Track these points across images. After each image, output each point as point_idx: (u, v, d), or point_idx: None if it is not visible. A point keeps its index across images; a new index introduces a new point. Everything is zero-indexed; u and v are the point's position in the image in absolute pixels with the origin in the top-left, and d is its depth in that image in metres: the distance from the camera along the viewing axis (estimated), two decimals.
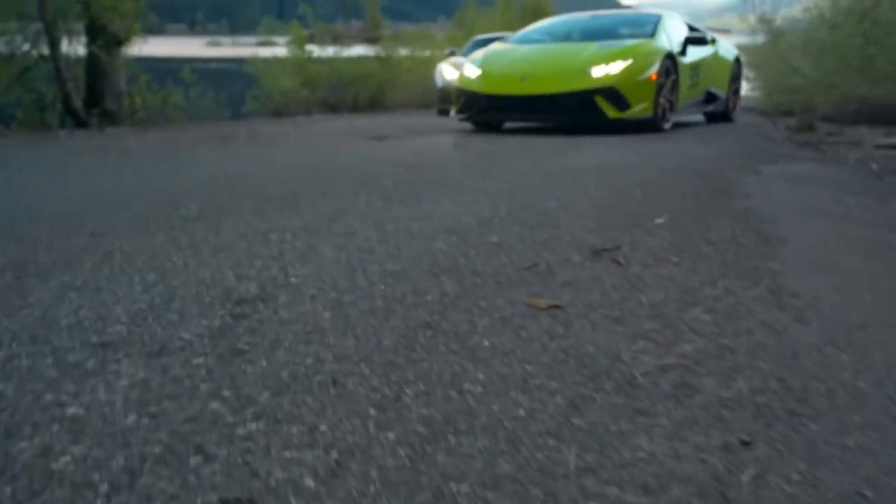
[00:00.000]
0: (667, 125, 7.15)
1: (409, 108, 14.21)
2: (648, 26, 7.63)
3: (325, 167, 4.02)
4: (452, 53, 13.28)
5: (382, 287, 1.63)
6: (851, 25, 10.22)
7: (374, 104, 13.41)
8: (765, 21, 16.95)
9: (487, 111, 7.17)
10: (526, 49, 7.50)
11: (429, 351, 1.26)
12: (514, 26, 22.78)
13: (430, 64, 15.62)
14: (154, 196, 3.00)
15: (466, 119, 7.49)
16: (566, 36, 7.91)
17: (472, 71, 7.36)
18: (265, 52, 13.68)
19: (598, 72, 6.70)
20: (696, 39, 7.63)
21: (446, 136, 6.80)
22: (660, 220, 2.38)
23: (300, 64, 12.60)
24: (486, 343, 1.30)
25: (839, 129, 8.93)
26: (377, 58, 13.67)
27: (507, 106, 6.97)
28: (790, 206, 2.89)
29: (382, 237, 2.15)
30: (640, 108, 6.71)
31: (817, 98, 11.14)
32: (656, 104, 6.90)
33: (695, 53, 7.80)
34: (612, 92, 6.65)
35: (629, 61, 6.73)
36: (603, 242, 2.08)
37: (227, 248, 2.01)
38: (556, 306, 1.50)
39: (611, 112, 6.65)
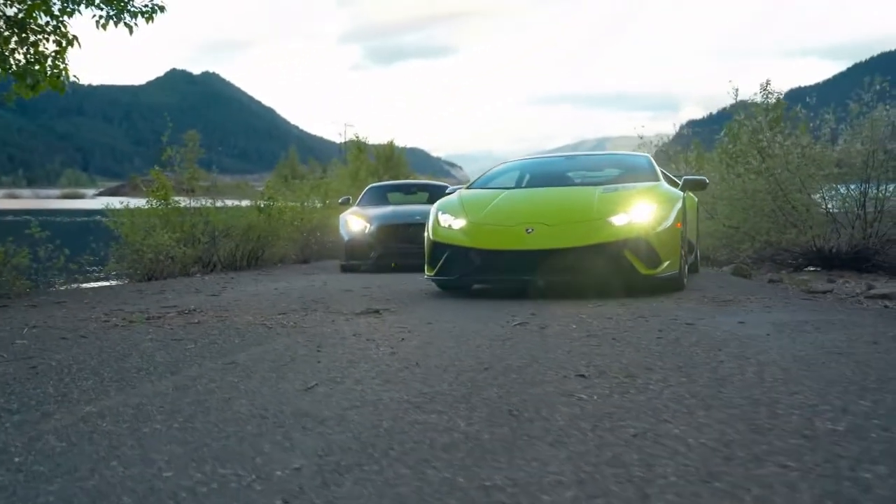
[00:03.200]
0: (686, 280, 6.05)
1: (287, 263, 12.52)
2: (645, 167, 6.64)
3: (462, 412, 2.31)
4: (347, 201, 11.92)
5: None
6: (767, 175, 10.08)
7: (253, 260, 11.56)
8: None
9: (482, 271, 5.69)
10: (513, 195, 6.21)
11: None
12: (371, 177, 22.06)
13: (312, 215, 14.17)
14: None
15: (454, 282, 5.94)
16: (547, 179, 6.73)
17: (451, 221, 5.92)
18: (115, 202, 11.52)
19: (620, 220, 5.50)
20: (694, 183, 6.70)
21: (442, 302, 5.23)
22: None
23: (168, 215, 10.59)
24: None
25: (777, 275, 8.44)
26: (257, 208, 11.90)
27: (509, 265, 5.54)
28: None
29: None
30: (668, 264, 5.55)
31: (742, 244, 10.83)
32: (680, 256, 5.79)
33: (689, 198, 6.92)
34: (642, 245, 5.45)
35: (653, 207, 5.61)
36: None
37: None
38: None
39: (642, 269, 5.41)
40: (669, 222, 5.63)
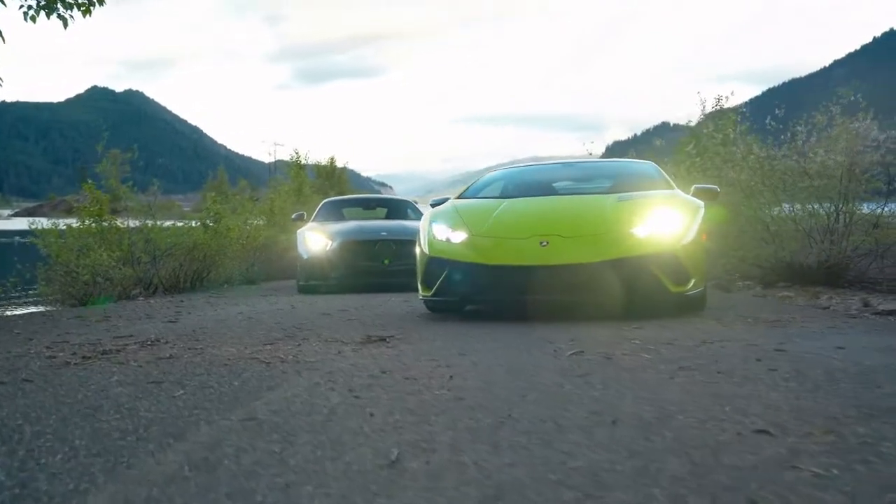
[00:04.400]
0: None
1: (233, 284, 11.54)
2: (654, 175, 6.06)
3: None
4: (301, 217, 11.04)
5: None
6: (744, 188, 9.73)
7: (197, 281, 10.58)
8: None
9: (490, 290, 4.96)
10: (517, 204, 5.52)
11: None
12: (317, 193, 21.06)
13: (259, 233, 13.26)
14: None
15: (455, 304, 5.22)
16: (547, 188, 6.08)
17: (448, 234, 5.20)
18: (42, 221, 10.38)
19: (643, 232, 4.88)
20: (705, 192, 6.13)
21: (448, 326, 4.50)
22: None
23: (105, 233, 9.55)
24: None
25: (756, 290, 8.11)
26: (204, 226, 10.93)
27: (522, 283, 4.83)
28: None
29: None
30: (696, 280, 4.96)
31: (719, 259, 10.44)
32: (705, 272, 5.23)
33: None
34: (670, 259, 4.83)
35: (677, 217, 5.03)
36: None
37: None
38: None
39: (671, 286, 4.80)
40: (694, 234, 5.05)
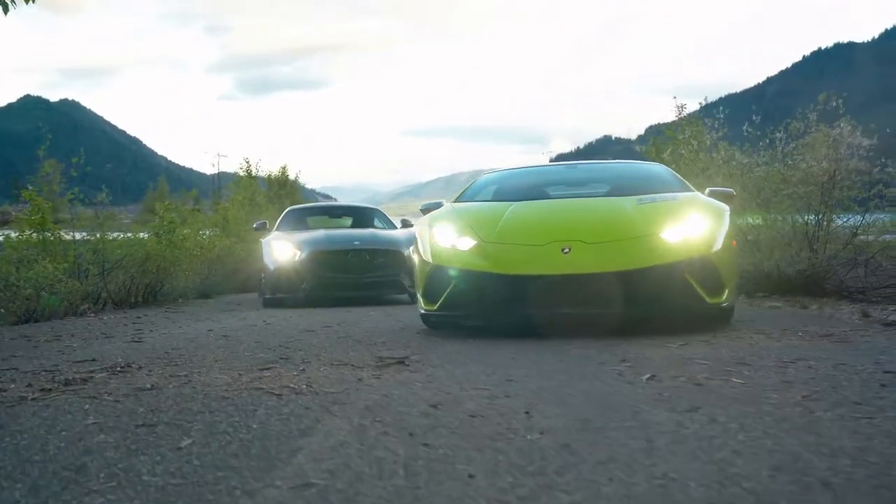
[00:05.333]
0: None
1: (188, 297, 10.71)
2: (667, 177, 5.60)
3: None
4: (264, 226, 10.35)
5: None
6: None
7: (150, 295, 9.76)
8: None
9: (508, 304, 4.38)
10: (527, 207, 4.97)
11: None
12: (270, 202, 20.27)
13: (215, 243, 12.43)
14: None
15: (466, 319, 4.64)
16: (554, 191, 5.57)
17: (453, 240, 4.62)
18: None
19: (674, 236, 4.40)
20: (722, 196, 5.70)
21: (465, 344, 3.93)
22: None
23: (48, 244, 8.70)
24: None
25: (744, 300, 7.80)
26: (156, 236, 10.09)
27: (544, 294, 4.27)
28: None
29: None
30: (729, 290, 4.51)
31: None
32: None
33: None
34: (705, 266, 4.35)
35: (706, 221, 4.57)
36: None
37: None
38: None
39: (707, 296, 4.32)
40: (724, 239, 4.59)
